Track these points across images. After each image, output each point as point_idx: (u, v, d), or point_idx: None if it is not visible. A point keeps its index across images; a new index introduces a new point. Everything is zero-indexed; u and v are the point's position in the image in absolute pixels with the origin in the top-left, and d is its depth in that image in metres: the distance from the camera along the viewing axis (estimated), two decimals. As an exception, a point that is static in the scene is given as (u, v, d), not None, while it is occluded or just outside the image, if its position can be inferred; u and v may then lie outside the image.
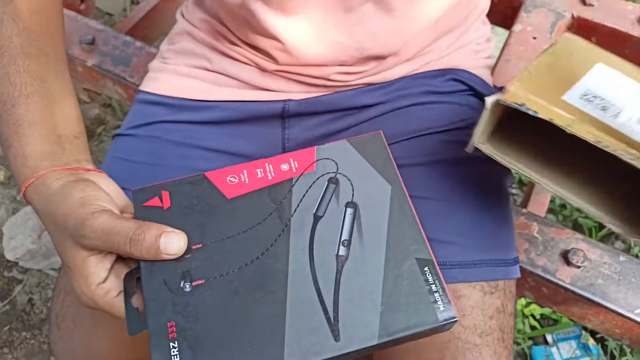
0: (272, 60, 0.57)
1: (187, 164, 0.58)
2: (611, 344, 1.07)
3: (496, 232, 0.55)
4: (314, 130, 0.60)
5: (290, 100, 0.59)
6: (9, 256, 1.13)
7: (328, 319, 0.35)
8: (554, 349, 1.10)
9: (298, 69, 0.57)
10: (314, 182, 0.41)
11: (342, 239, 0.38)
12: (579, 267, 0.64)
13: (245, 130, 0.60)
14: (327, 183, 0.40)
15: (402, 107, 0.59)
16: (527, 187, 1.07)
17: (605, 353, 1.08)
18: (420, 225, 0.39)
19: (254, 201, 0.39)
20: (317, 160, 0.42)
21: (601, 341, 1.09)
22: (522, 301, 1.09)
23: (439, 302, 0.36)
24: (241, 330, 0.35)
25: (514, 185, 1.32)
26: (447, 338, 0.52)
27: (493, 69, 0.83)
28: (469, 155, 0.56)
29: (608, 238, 1.23)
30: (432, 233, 0.54)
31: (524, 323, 1.09)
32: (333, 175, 0.41)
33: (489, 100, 0.41)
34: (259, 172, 0.41)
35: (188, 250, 0.37)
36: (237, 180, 0.40)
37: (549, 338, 1.11)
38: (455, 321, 0.36)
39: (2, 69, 0.45)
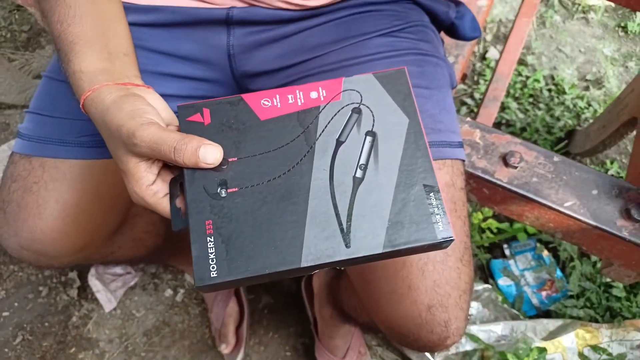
0: None
1: None
2: (562, 254, 1.16)
3: (439, 119, 0.60)
4: (256, 36, 0.63)
5: (234, 7, 0.62)
6: (-10, 193, 1.17)
7: (342, 229, 0.41)
8: (511, 262, 1.19)
9: None
10: (339, 111, 0.44)
11: (360, 163, 0.43)
12: (515, 167, 0.70)
13: (191, 34, 0.63)
14: (350, 112, 0.44)
15: (342, 17, 0.62)
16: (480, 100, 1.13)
17: (558, 262, 1.17)
18: (431, 157, 0.43)
19: (284, 124, 0.44)
20: (343, 91, 0.45)
21: (553, 251, 1.18)
22: (479, 215, 1.17)
23: (439, 223, 0.41)
24: (267, 232, 0.40)
25: (468, 100, 1.37)
26: None
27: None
28: (410, 52, 0.61)
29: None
30: None
31: (481, 237, 1.17)
32: (357, 105, 0.45)
33: None
34: (290, 98, 0.45)
35: (224, 162, 0.42)
36: (270, 104, 0.45)
37: (507, 252, 1.20)
38: (452, 240, 0.41)
39: None
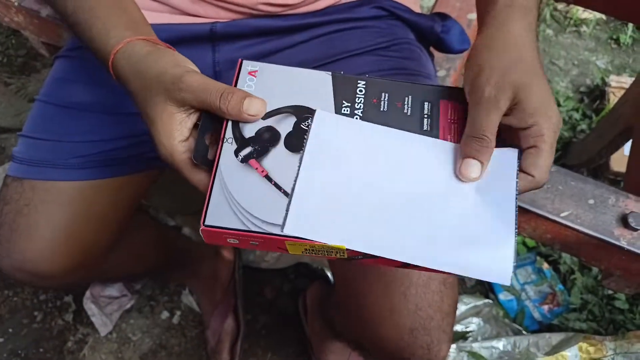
0: None
1: None
2: (562, 267, 1.14)
3: None
4: (242, 52, 0.63)
5: (217, 22, 0.62)
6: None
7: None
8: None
9: None
10: None
11: None
12: (510, 178, 0.70)
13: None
14: None
15: (325, 33, 0.63)
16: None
17: (559, 275, 1.15)
18: None
19: None
20: None
21: (554, 264, 1.17)
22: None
23: None
24: None
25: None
26: None
27: (435, 1, 0.87)
28: (395, 72, 0.61)
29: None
30: None
31: (481, 251, 1.16)
32: None
33: None
34: None
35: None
36: None
37: (507, 266, 1.18)
38: None
39: None
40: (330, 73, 0.47)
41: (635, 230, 0.66)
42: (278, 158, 0.43)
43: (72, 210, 0.62)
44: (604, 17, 1.58)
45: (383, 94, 0.45)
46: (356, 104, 0.45)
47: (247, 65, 0.47)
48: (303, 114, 0.44)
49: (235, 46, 0.63)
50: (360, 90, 0.45)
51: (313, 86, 0.46)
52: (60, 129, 0.63)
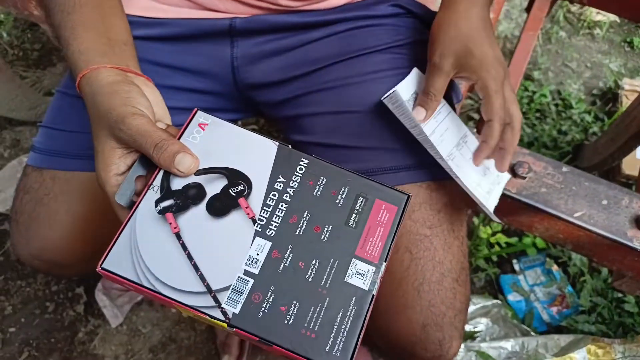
0: None
1: None
2: (572, 269, 1.14)
3: None
4: (260, 47, 0.64)
5: (236, 17, 0.63)
6: (0, 208, 1.18)
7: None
8: (520, 277, 1.18)
9: None
10: None
11: None
12: (524, 177, 0.70)
13: (196, 47, 0.64)
14: None
15: (343, 30, 0.63)
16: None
17: (568, 277, 1.15)
18: None
19: None
20: None
21: (563, 266, 1.16)
22: (488, 230, 1.16)
23: None
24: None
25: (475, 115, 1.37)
26: (399, 232, 0.58)
27: None
28: (409, 70, 0.61)
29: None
30: (381, 142, 0.59)
31: (490, 250, 1.16)
32: None
33: None
34: None
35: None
36: None
37: (516, 267, 1.19)
38: None
39: None
40: (277, 143, 0.45)
41: (649, 231, 0.67)
42: (195, 218, 0.42)
43: (91, 201, 0.63)
44: (617, 19, 1.57)
45: (322, 178, 0.44)
46: (291, 182, 0.44)
47: (200, 117, 0.46)
48: (235, 178, 0.43)
49: (254, 42, 0.64)
50: (301, 169, 0.44)
51: (257, 153, 0.45)
52: (80, 120, 0.63)
